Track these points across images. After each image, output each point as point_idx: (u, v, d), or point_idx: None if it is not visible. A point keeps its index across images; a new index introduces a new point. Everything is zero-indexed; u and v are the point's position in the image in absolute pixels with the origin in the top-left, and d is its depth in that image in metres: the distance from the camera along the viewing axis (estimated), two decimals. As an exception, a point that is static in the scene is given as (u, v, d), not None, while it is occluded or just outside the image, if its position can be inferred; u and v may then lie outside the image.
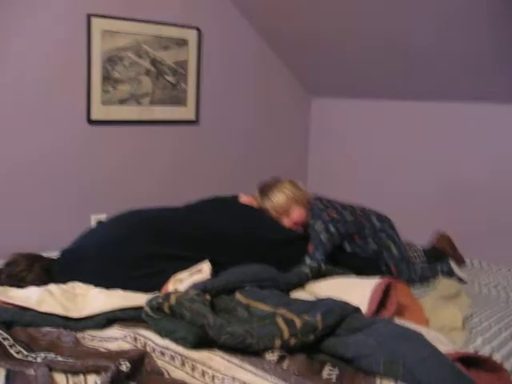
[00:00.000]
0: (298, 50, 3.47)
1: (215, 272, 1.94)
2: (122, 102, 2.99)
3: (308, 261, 2.19)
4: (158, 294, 1.67)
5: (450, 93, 2.99)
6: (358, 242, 2.35)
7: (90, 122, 2.91)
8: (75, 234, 2.29)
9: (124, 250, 2.03)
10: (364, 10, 2.75)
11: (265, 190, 2.43)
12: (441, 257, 2.70)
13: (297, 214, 2.37)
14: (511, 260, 2.75)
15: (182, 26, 3.15)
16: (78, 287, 1.95)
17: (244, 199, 2.48)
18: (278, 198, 2.36)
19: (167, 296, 1.61)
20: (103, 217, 2.98)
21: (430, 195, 3.17)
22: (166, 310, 1.57)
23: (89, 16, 2.81)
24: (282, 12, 3.17)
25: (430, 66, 2.86)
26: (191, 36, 3.19)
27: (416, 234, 3.13)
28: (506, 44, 2.51)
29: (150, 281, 1.94)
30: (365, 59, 3.12)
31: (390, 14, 2.65)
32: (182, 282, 1.85)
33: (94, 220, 2.99)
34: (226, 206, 2.39)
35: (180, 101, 3.23)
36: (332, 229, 2.27)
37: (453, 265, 2.48)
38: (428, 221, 3.12)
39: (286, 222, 2.38)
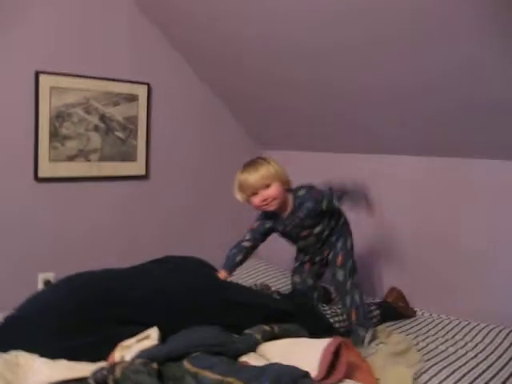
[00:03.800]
0: (248, 104, 3.52)
1: (163, 337, 1.90)
2: (71, 158, 2.96)
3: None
4: (102, 366, 1.63)
5: (389, 147, 3.08)
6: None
7: (38, 179, 2.87)
8: (21, 292, 2.21)
9: (71, 316, 1.97)
10: (312, 68, 2.83)
11: (251, 163, 2.48)
12: (393, 311, 2.74)
13: (275, 189, 2.43)
14: (460, 311, 2.80)
15: (132, 82, 3.16)
16: (22, 357, 1.86)
17: None
18: (266, 169, 2.43)
19: (112, 368, 1.57)
20: (51, 275, 2.92)
21: (383, 250, 3.20)
22: (111, 383, 1.53)
23: (37, 73, 2.80)
24: (232, 68, 3.22)
25: (373, 120, 2.95)
26: (141, 91, 3.21)
27: (369, 287, 3.17)
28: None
29: (97, 348, 1.87)
30: (312, 115, 3.18)
31: (341, 68, 2.73)
32: (129, 349, 1.81)
33: (41, 278, 2.92)
34: (176, 267, 2.36)
35: (130, 156, 3.21)
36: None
37: (367, 335, 2.40)
38: (381, 275, 3.15)
39: (257, 200, 2.43)
